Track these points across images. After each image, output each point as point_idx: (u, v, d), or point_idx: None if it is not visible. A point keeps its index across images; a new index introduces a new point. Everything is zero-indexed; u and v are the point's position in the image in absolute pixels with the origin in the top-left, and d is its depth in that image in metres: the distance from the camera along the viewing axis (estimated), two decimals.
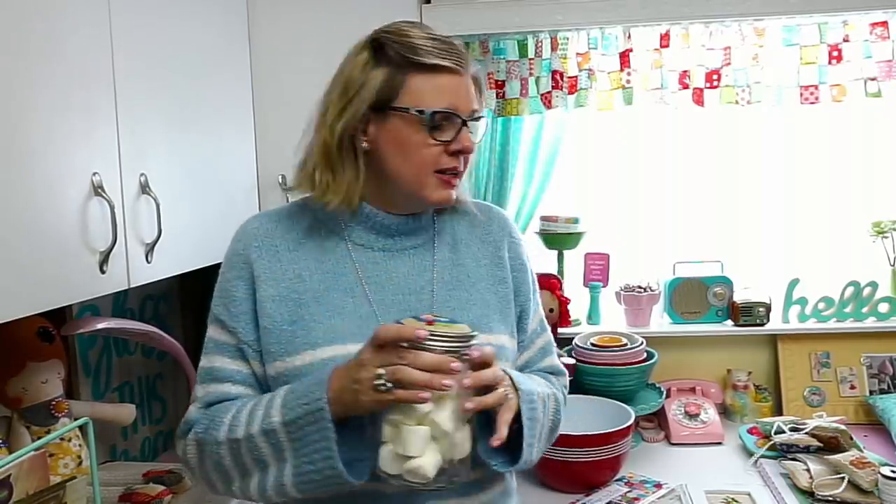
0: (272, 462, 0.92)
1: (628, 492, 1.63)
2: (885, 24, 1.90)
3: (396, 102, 0.97)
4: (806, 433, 1.70)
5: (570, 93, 2.02)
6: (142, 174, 1.33)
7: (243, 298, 1.01)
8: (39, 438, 1.31)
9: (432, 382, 0.82)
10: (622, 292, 2.14)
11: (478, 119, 1.02)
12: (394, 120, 0.97)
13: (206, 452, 0.97)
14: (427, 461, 0.85)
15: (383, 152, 0.99)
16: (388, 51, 0.97)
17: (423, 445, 0.84)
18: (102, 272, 1.20)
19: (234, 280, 1.02)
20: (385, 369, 0.83)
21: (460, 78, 0.99)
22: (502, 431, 0.90)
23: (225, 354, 1.01)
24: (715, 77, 1.97)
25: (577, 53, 2.01)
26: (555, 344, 1.20)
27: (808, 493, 1.54)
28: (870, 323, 2.06)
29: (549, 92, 2.01)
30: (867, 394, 2.02)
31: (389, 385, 0.83)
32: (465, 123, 0.99)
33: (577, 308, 2.15)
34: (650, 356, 1.93)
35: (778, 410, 2.06)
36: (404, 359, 0.83)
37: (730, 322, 2.12)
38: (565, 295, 2.04)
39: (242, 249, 1.03)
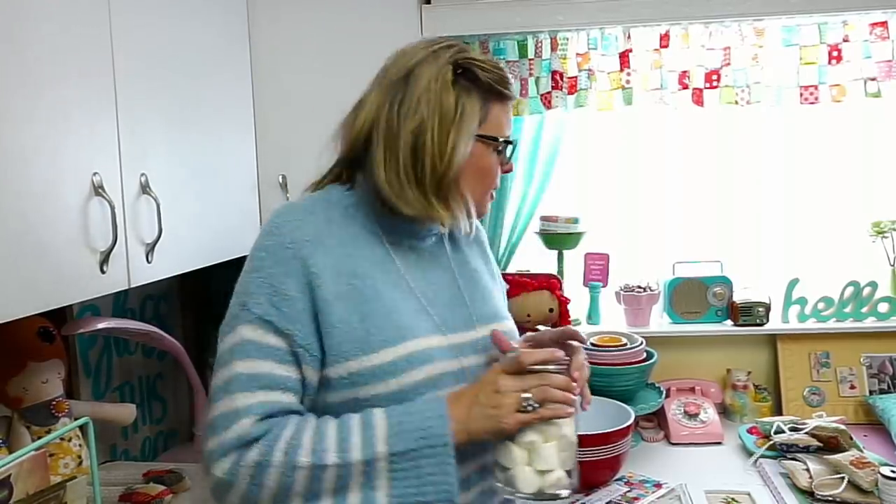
0: (357, 488, 0.89)
1: (628, 491, 1.63)
2: (884, 24, 1.90)
3: (482, 130, 1.01)
4: (806, 433, 1.70)
5: (570, 93, 2.01)
6: (142, 174, 1.33)
7: (298, 297, 0.93)
8: (39, 438, 1.31)
9: (568, 398, 0.92)
10: (622, 292, 2.14)
11: None
12: (476, 145, 1.01)
13: (271, 474, 0.88)
14: (562, 472, 0.94)
15: (459, 174, 1.00)
16: (480, 77, 1.00)
17: (557, 458, 0.93)
18: (103, 272, 1.20)
19: (280, 276, 0.94)
20: (531, 392, 0.91)
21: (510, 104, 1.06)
22: (590, 397, 1.02)
23: (271, 359, 0.92)
24: (714, 77, 1.97)
25: (577, 54, 2.01)
26: None
27: (807, 493, 1.54)
28: (869, 323, 2.06)
29: (548, 92, 2.01)
30: (867, 394, 2.02)
31: (536, 406, 0.91)
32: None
33: (577, 308, 2.15)
34: (650, 356, 1.93)
35: (777, 410, 2.06)
36: (544, 381, 0.92)
37: (729, 322, 2.12)
38: (565, 295, 2.04)
39: (290, 244, 0.95)
